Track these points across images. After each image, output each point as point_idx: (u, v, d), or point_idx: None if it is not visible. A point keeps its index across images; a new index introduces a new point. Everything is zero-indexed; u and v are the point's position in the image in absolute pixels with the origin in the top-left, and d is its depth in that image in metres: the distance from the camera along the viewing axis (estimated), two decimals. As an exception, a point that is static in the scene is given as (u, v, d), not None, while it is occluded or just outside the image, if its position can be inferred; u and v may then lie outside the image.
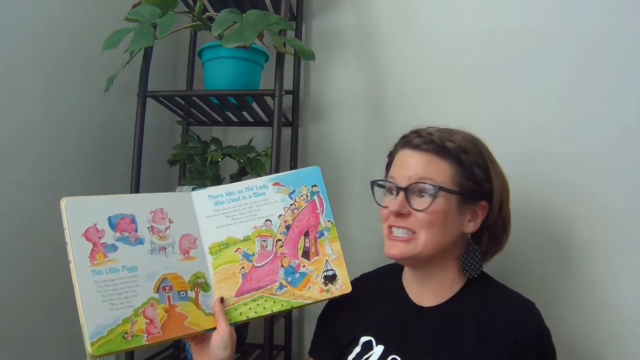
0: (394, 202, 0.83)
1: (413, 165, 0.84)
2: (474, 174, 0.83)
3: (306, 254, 0.85)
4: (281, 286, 0.82)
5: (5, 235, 0.91)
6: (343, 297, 0.90)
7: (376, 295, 0.93)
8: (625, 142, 1.11)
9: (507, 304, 0.84)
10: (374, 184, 0.90)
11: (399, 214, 0.83)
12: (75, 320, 0.80)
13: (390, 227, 0.85)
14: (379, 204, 0.89)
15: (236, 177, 1.21)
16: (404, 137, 0.89)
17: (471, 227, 0.85)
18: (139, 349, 0.73)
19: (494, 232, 0.88)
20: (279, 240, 0.84)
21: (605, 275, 1.10)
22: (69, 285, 0.72)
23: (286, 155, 1.34)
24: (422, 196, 0.82)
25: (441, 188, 0.81)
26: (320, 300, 0.84)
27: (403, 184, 0.83)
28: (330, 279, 0.85)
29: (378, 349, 0.85)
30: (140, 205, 0.78)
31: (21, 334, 0.93)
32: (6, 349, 0.90)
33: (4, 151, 0.90)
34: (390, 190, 0.87)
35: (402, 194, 0.83)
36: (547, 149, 1.16)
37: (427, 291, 0.88)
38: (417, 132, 0.87)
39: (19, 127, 0.94)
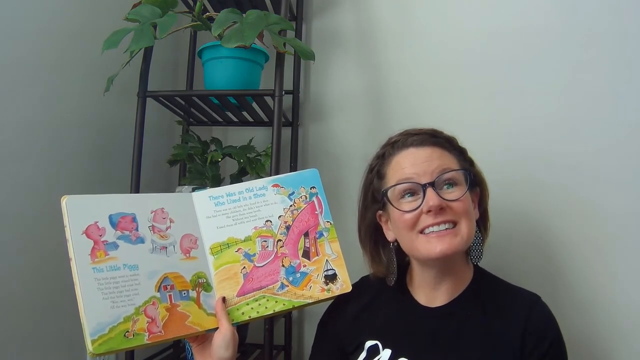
0: (430, 198, 0.79)
1: (427, 159, 0.82)
2: (471, 160, 0.86)
3: (306, 254, 0.85)
4: (282, 286, 0.83)
5: (6, 235, 0.91)
6: (344, 302, 0.90)
7: (379, 298, 0.92)
8: (627, 143, 1.11)
9: (514, 298, 0.84)
10: (385, 193, 0.85)
11: (441, 209, 0.79)
12: (75, 322, 0.79)
13: (422, 230, 0.81)
14: (398, 210, 0.83)
15: (236, 177, 1.21)
16: (394, 142, 0.88)
17: (476, 213, 0.86)
18: (140, 348, 0.74)
19: (483, 218, 0.90)
20: (280, 240, 0.84)
21: (603, 276, 1.10)
22: (69, 286, 0.72)
23: (286, 155, 1.34)
24: (450, 186, 0.81)
25: (469, 172, 0.82)
26: (322, 300, 0.84)
27: (427, 179, 0.80)
28: (331, 278, 0.85)
29: (385, 353, 0.83)
30: (141, 204, 0.79)
31: (21, 334, 0.93)
32: (6, 349, 0.90)
33: (4, 151, 0.90)
34: (409, 192, 0.83)
35: (430, 189, 0.80)
36: (548, 149, 1.16)
37: (442, 290, 0.85)
38: (406, 134, 0.88)
39: (19, 127, 0.94)
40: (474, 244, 0.86)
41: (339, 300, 0.89)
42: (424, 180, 0.81)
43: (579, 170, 1.14)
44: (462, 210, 0.80)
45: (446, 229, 0.80)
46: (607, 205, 1.11)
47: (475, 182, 0.86)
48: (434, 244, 0.80)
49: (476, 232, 0.86)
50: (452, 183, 0.81)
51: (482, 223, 0.90)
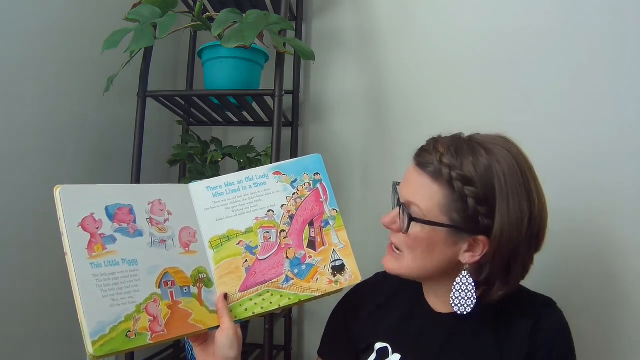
0: (388, 214, 0.81)
1: (409, 184, 0.79)
2: (467, 206, 0.73)
3: (312, 245, 0.80)
4: (287, 279, 0.78)
5: (6, 235, 0.90)
6: (358, 298, 0.89)
7: (394, 298, 0.90)
8: (626, 143, 1.11)
9: (526, 306, 0.81)
10: (396, 184, 0.85)
11: (388, 228, 0.81)
12: (75, 319, 0.79)
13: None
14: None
15: (236, 177, 1.21)
16: (416, 150, 0.83)
17: (467, 257, 0.76)
18: (143, 349, 0.69)
19: (495, 270, 0.76)
20: (283, 231, 0.79)
21: (604, 276, 1.10)
22: (70, 285, 0.71)
23: (286, 155, 1.34)
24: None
25: (414, 219, 0.75)
26: (330, 293, 0.79)
27: (401, 199, 0.80)
28: (339, 269, 0.80)
29: (394, 358, 0.82)
30: (138, 195, 0.73)
31: (21, 333, 0.93)
32: (6, 349, 0.90)
33: (4, 151, 0.90)
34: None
35: (397, 208, 0.79)
36: (548, 149, 1.16)
37: (443, 300, 0.83)
38: (427, 147, 0.80)
39: (19, 127, 0.94)
40: (456, 289, 0.76)
41: (353, 296, 0.87)
42: (401, 199, 0.80)
43: (579, 170, 1.14)
44: (406, 243, 0.78)
45: (394, 249, 0.81)
46: (607, 205, 1.11)
47: (466, 231, 0.75)
48: (385, 258, 0.83)
49: (464, 277, 0.76)
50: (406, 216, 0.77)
51: (482, 270, 0.77)
